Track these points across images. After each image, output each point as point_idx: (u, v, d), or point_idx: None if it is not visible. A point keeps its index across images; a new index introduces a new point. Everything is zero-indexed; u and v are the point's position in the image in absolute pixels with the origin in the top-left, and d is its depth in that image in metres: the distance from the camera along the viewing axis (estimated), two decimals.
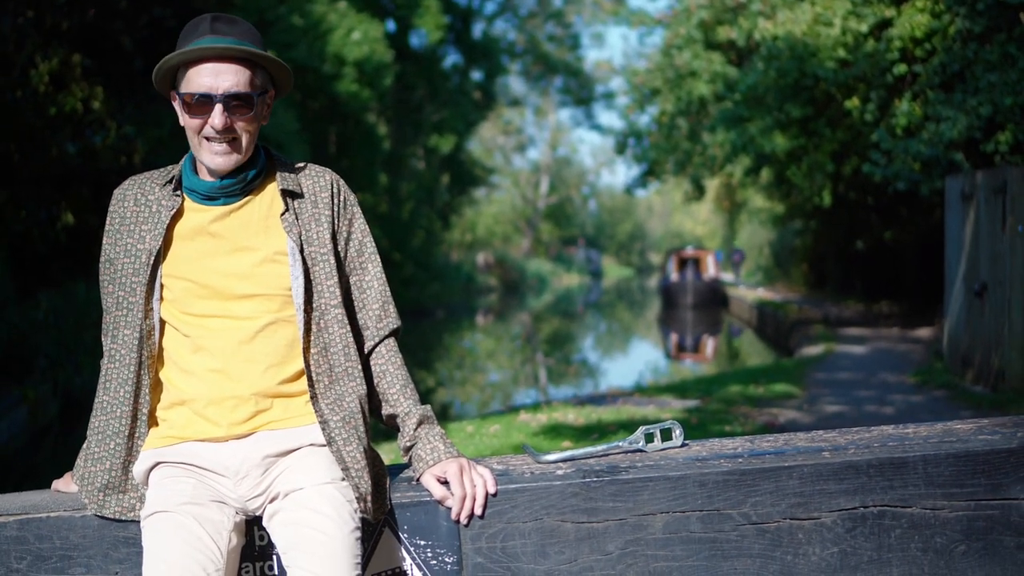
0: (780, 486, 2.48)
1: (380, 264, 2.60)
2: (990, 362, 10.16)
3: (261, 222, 2.44)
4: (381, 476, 2.44)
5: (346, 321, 2.46)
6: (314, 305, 2.43)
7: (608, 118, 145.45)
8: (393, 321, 2.57)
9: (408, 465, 2.62)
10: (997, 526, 2.52)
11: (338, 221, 2.52)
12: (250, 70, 2.39)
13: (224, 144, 2.37)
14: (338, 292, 2.46)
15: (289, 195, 2.47)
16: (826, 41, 14.86)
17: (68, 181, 14.73)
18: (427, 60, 38.10)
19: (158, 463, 2.36)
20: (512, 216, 67.16)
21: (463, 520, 2.42)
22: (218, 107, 2.34)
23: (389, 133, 36.96)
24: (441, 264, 43.87)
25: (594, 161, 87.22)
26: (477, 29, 43.60)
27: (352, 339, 2.47)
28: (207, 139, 2.37)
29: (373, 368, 2.55)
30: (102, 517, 2.40)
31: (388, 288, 2.59)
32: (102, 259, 2.48)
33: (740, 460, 2.54)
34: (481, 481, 2.43)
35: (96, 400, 2.44)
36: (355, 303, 2.55)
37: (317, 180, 2.52)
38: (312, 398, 2.38)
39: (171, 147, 15.28)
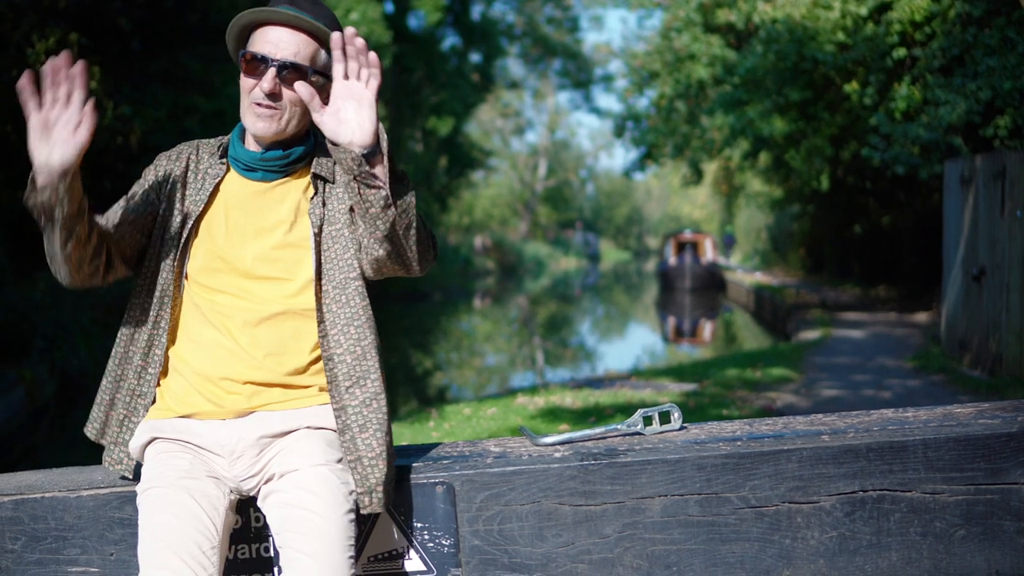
0: (779, 470, 2.46)
1: None
2: (988, 346, 10.16)
3: (293, 205, 2.42)
4: (391, 468, 2.36)
5: (366, 294, 2.40)
6: (330, 286, 2.37)
7: (607, 101, 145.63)
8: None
9: (403, 448, 2.60)
10: (997, 510, 2.51)
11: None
12: (316, 46, 2.38)
13: (268, 109, 2.36)
14: (356, 265, 2.39)
15: (320, 180, 2.45)
16: (825, 24, 14.83)
17: None
18: (425, 42, 37.91)
19: (154, 438, 2.35)
20: (510, 199, 67.03)
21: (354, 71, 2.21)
22: (271, 71, 2.34)
23: (387, 115, 36.85)
24: (439, 247, 43.75)
25: (592, 144, 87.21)
26: (476, 11, 43.40)
27: (374, 322, 2.39)
28: (255, 103, 2.37)
29: None
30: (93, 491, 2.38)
31: None
32: (153, 171, 2.46)
33: (739, 443, 2.53)
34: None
35: (114, 348, 2.44)
36: None
37: None
38: (328, 386, 2.35)
39: (168, 128, 15.20)
